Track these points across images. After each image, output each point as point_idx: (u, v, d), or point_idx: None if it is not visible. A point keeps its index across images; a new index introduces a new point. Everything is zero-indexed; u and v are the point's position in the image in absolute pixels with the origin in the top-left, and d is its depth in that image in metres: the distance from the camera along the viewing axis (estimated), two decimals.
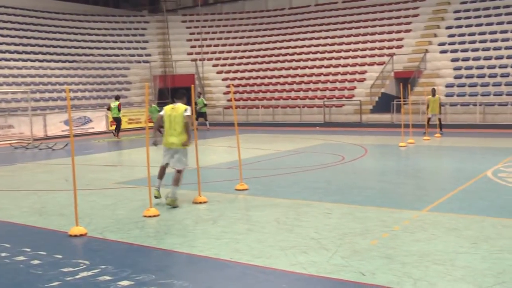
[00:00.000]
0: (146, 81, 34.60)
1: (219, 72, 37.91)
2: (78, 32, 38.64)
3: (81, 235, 7.73)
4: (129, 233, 7.79)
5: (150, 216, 8.72)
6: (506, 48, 29.23)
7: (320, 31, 38.33)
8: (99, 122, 28.97)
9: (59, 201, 10.34)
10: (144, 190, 10.27)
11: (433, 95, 22.48)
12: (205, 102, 29.53)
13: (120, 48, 38.87)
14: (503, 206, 8.92)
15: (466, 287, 5.36)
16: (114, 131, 25.77)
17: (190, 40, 41.21)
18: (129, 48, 39.23)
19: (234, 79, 36.53)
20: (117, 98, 26.02)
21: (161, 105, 31.93)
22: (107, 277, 5.94)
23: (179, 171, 9.85)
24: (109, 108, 25.87)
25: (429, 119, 22.55)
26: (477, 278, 5.56)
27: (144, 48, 39.65)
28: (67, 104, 8.13)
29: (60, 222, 8.63)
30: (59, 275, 6.07)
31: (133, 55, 38.50)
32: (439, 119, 22.60)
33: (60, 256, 6.79)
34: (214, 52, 39.97)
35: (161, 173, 10.08)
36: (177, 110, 9.72)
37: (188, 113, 9.68)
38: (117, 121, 25.58)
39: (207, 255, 6.66)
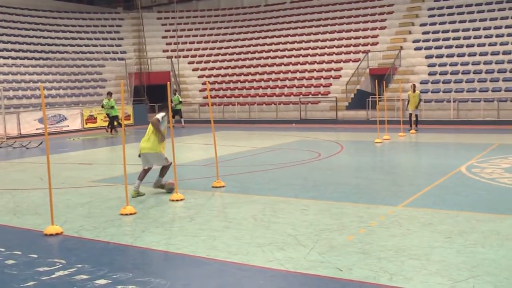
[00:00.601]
0: (121, 78, 34.33)
1: (195, 69, 37.79)
2: (51, 29, 38.17)
3: (56, 234, 7.65)
4: (105, 232, 7.73)
5: (126, 214, 8.66)
6: (479, 45, 29.65)
7: (296, 28, 38.44)
8: (74, 120, 28.66)
9: (33, 200, 10.21)
10: (121, 188, 10.21)
11: (413, 91, 22.66)
12: (180, 99, 29.41)
13: (95, 45, 38.50)
14: (477, 201, 9.05)
15: (441, 281, 5.42)
16: (107, 128, 25.90)
17: (165, 37, 40.98)
18: (103, 45, 38.87)
19: (210, 76, 36.45)
20: (110, 94, 25.97)
21: (136, 102, 31.90)
22: (84, 276, 5.89)
23: (164, 167, 10.41)
24: (103, 106, 25.76)
25: (410, 114, 22.72)
26: (452, 272, 5.64)
27: (119, 45, 39.34)
28: (41, 102, 8.03)
29: (35, 221, 8.53)
30: (34, 275, 6.00)
31: (108, 52, 38.16)
32: (416, 115, 22.76)
33: (35, 256, 6.71)
34: (190, 49, 39.82)
35: (143, 176, 10.38)
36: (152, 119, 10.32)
37: (158, 117, 10.23)
38: (116, 118, 25.48)
39: (184, 253, 6.65)
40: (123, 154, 8.98)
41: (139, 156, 10.53)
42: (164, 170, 10.44)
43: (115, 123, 25.34)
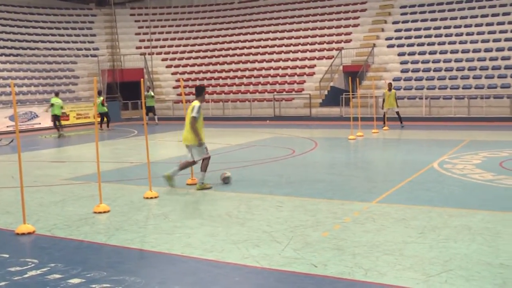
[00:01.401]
0: (94, 75, 33.96)
1: (169, 66, 37.58)
2: (22, 24, 37.56)
3: (28, 233, 7.55)
4: (78, 230, 7.65)
5: (100, 212, 8.58)
6: (450, 43, 30.03)
7: (270, 25, 38.45)
8: (46, 117, 28.25)
9: (4, 199, 10.06)
10: (94, 186, 10.10)
11: (389, 89, 22.68)
12: (152, 94, 29.11)
13: (67, 42, 38.00)
14: (449, 196, 9.18)
15: (414, 275, 5.48)
16: (100, 125, 26.08)
17: (138, 33, 40.66)
18: (76, 42, 38.39)
19: (183, 73, 36.29)
20: (99, 93, 26.12)
21: (109, 100, 31.58)
22: (57, 276, 5.82)
23: (204, 159, 10.58)
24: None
25: (385, 113, 22.78)
26: (425, 267, 5.71)
27: (92, 42, 38.89)
28: (12, 99, 7.91)
29: (6, 220, 8.40)
30: (6, 275, 5.91)
31: (80, 49, 37.69)
32: (397, 112, 22.76)
33: (6, 255, 6.61)
34: (163, 46, 39.58)
35: (182, 167, 10.71)
36: (190, 107, 10.46)
37: (194, 114, 10.28)
38: (105, 115, 26.08)
39: (159, 251, 6.61)
40: (96, 151, 8.89)
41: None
42: (204, 162, 10.57)
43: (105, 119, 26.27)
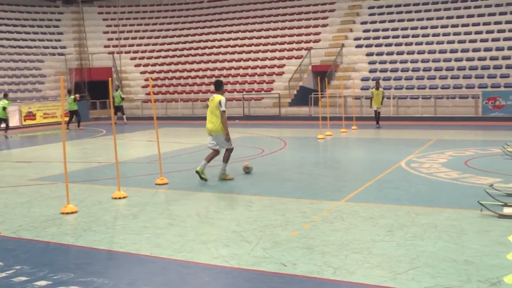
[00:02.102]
0: (61, 74, 33.50)
1: (137, 65, 37.29)
2: None
3: None
4: (45, 231, 7.54)
5: (67, 213, 8.47)
6: (417, 43, 30.46)
7: (239, 24, 38.47)
8: (12, 117, 27.73)
9: None
10: (61, 186, 9.97)
11: (377, 88, 22.72)
12: (122, 95, 28.94)
13: (33, 40, 37.39)
14: (416, 195, 9.30)
15: (382, 273, 5.54)
16: (67, 124, 25.72)
17: (107, 32, 40.25)
18: (42, 40, 37.81)
19: (152, 72, 36.06)
20: (69, 92, 25.96)
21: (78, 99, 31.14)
22: (23, 278, 5.72)
23: (227, 150, 11.10)
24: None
25: (375, 111, 22.83)
26: (393, 265, 5.77)
27: (59, 40, 38.35)
28: None
29: None
30: None
31: (47, 47, 37.14)
32: (378, 112, 22.87)
33: None
34: (132, 45, 39.27)
35: (209, 159, 11.13)
36: (214, 101, 11.03)
37: (224, 108, 10.92)
38: (75, 113, 25.94)
39: (128, 251, 6.56)
40: (63, 151, 8.77)
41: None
42: (226, 154, 11.08)
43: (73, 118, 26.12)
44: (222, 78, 33.07)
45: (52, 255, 6.54)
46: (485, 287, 5.12)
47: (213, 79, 33.33)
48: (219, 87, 11.37)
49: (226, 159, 11.05)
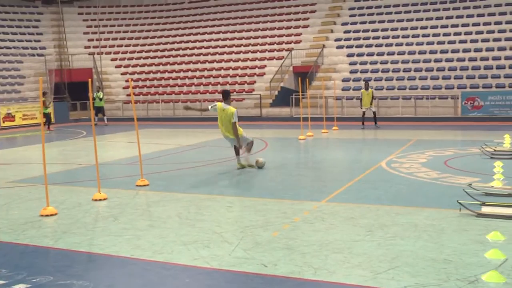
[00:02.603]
0: (40, 75, 33.19)
1: (118, 66, 37.06)
2: None
3: None
4: (24, 234, 7.47)
5: (47, 215, 8.40)
6: (397, 44, 30.68)
7: (220, 25, 38.42)
8: None
9: None
10: (41, 189, 9.87)
11: (366, 88, 22.65)
12: (101, 97, 28.67)
13: (12, 40, 36.93)
14: (396, 195, 9.38)
15: (363, 273, 5.58)
16: (48, 125, 25.64)
17: (87, 33, 39.94)
18: (21, 41, 37.37)
19: (133, 73, 35.86)
20: (44, 94, 25.53)
21: (57, 100, 30.95)
22: (1, 281, 5.65)
23: (249, 143, 12.55)
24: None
25: (363, 112, 22.82)
26: (373, 264, 5.81)
27: (38, 41, 37.96)
28: None
29: None
30: None
31: (26, 48, 36.71)
32: (374, 112, 22.87)
33: None
34: (113, 46, 39.02)
35: (237, 151, 12.56)
36: (226, 112, 12.08)
37: (235, 119, 12.03)
38: (45, 116, 25.49)
39: (108, 253, 6.52)
40: (42, 153, 8.70)
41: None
42: (248, 146, 12.52)
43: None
44: (203, 79, 33.10)
45: (31, 258, 6.48)
46: (463, 285, 5.18)
47: (195, 80, 33.42)
48: (227, 96, 12.29)
49: (248, 150, 12.57)
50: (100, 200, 9.45)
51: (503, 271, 5.49)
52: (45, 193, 8.74)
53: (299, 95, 24.03)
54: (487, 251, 6.06)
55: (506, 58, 27.53)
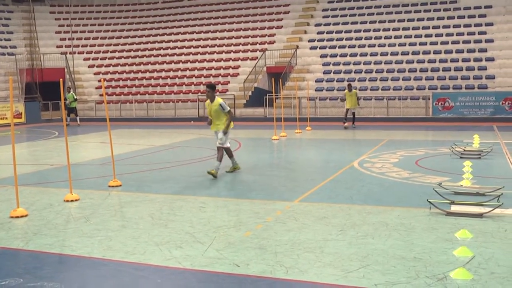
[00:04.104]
0: (11, 74, 32.71)
1: (91, 66, 36.76)
2: None
3: None
4: None
5: (17, 217, 8.29)
6: (369, 45, 30.99)
7: (194, 25, 38.36)
8: None
9: None
10: (11, 190, 9.75)
11: (349, 90, 22.63)
12: (75, 97, 28.45)
13: None
14: (368, 194, 9.47)
15: (334, 272, 5.63)
16: None
17: (59, 32, 39.52)
18: None
19: (106, 73, 35.59)
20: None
21: (28, 100, 30.53)
22: None
23: (222, 149, 11.81)
24: None
25: (347, 110, 22.87)
26: (344, 263, 5.87)
27: (9, 40, 37.38)
28: None
29: None
30: None
31: None
32: (353, 113, 22.99)
33: None
34: (85, 45, 38.67)
35: (229, 153, 12.14)
36: (214, 104, 11.72)
37: (228, 108, 11.78)
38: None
39: (79, 254, 6.47)
40: (13, 154, 8.58)
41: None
42: (220, 153, 11.75)
43: None
44: (177, 79, 33.00)
45: (0, 260, 6.40)
46: (432, 282, 5.27)
47: (168, 80, 33.28)
48: (213, 89, 11.95)
49: (229, 154, 12.04)
50: (72, 201, 9.36)
51: (471, 268, 5.59)
52: (15, 194, 8.62)
53: (272, 95, 24.11)
54: (455, 249, 6.16)
55: (475, 60, 28.04)
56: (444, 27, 31.12)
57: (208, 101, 11.89)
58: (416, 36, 30.85)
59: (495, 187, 9.26)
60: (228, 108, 11.79)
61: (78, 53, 37.36)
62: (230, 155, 12.09)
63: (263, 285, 5.41)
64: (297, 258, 6.08)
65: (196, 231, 7.27)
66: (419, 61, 28.83)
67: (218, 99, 11.78)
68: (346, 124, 22.76)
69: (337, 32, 33.14)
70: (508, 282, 5.26)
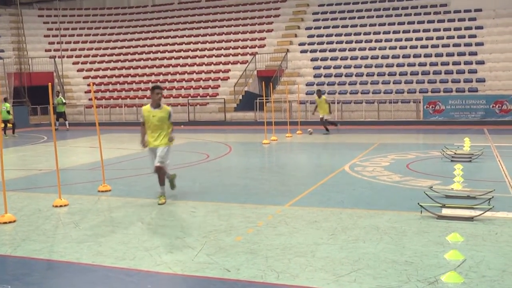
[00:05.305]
0: None
1: (80, 70, 36.61)
2: None
3: None
4: None
5: (5, 223, 8.19)
6: (360, 49, 31.05)
7: (184, 29, 38.32)
8: None
9: None
10: None
11: (318, 96, 22.27)
12: (64, 101, 28.28)
13: None
14: (359, 198, 9.45)
15: (325, 276, 5.59)
16: (9, 131, 24.95)
17: (47, 35, 39.35)
18: None
19: (96, 77, 35.46)
20: (5, 100, 25.33)
21: (16, 104, 30.33)
22: None
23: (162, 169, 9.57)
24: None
25: (321, 118, 22.40)
26: (336, 267, 5.84)
27: None
28: None
29: None
30: None
31: None
32: (325, 120, 22.41)
33: None
34: (74, 49, 38.52)
35: (161, 180, 9.60)
36: (162, 112, 9.45)
37: (172, 120, 9.67)
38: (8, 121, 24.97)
39: (68, 260, 6.40)
40: (0, 158, 8.49)
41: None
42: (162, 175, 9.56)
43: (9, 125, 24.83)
44: (166, 83, 32.90)
45: None
46: (424, 286, 5.25)
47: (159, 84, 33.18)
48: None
49: (163, 181, 9.56)
50: (61, 206, 9.28)
51: (462, 271, 5.58)
52: (3, 200, 8.53)
53: (263, 99, 24.13)
54: (446, 252, 6.15)
55: (466, 63, 28.18)
56: (435, 30, 31.26)
57: (149, 106, 9.47)
58: (406, 40, 30.97)
59: (486, 190, 9.27)
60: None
61: (67, 57, 37.21)
62: (164, 181, 9.53)
63: None
64: (288, 262, 6.04)
65: (186, 236, 7.21)
66: (409, 64, 28.93)
67: (166, 106, 9.61)
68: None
69: (327, 35, 33.21)
70: (499, 285, 5.26)
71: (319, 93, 22.56)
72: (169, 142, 9.57)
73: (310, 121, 26.08)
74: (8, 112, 24.56)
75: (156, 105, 9.40)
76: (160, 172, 9.43)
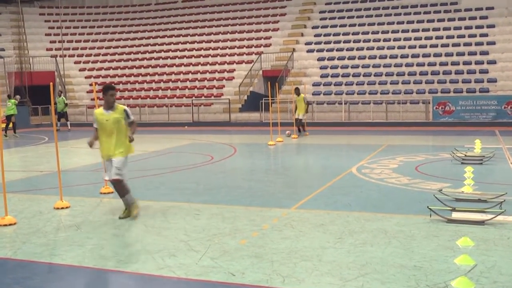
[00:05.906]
0: None
1: (82, 70, 36.54)
2: None
3: None
4: None
5: (5, 225, 8.08)
6: (368, 48, 30.89)
7: (188, 28, 38.22)
8: None
9: None
10: None
11: (297, 94, 21.57)
12: (66, 101, 28.18)
13: None
14: (366, 201, 9.30)
15: (332, 280, 5.46)
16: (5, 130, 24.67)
17: (49, 34, 39.27)
18: None
19: (98, 76, 35.37)
20: (9, 96, 25.36)
21: (17, 104, 30.20)
22: None
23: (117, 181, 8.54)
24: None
25: (295, 120, 21.63)
26: (342, 272, 5.70)
27: None
28: None
29: None
30: None
31: None
32: (300, 120, 21.64)
33: None
34: (76, 48, 38.46)
35: (123, 192, 8.53)
36: (117, 112, 8.67)
37: (132, 118, 8.90)
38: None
39: (70, 263, 6.28)
40: (1, 160, 8.37)
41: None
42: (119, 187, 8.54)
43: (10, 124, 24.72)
44: (170, 83, 32.81)
45: None
46: None
47: (162, 84, 33.08)
48: (106, 93, 8.67)
49: (124, 193, 8.44)
50: (62, 208, 9.16)
51: (472, 277, 5.44)
52: (3, 202, 8.41)
53: (268, 99, 23.99)
54: (457, 257, 6.01)
55: (477, 62, 27.95)
56: (445, 29, 31.02)
57: (101, 109, 8.64)
58: (415, 39, 30.74)
59: (497, 193, 9.08)
60: (133, 117, 8.86)
61: (69, 56, 37.12)
62: (125, 192, 8.41)
63: None
64: (294, 266, 5.91)
65: (190, 239, 7.08)
66: (418, 64, 28.71)
67: (121, 105, 8.74)
68: (294, 135, 21.08)
69: (334, 34, 33.03)
70: None
71: (298, 91, 21.70)
72: (128, 150, 8.78)
73: (317, 121, 25.96)
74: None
75: (109, 107, 8.56)
76: (118, 185, 8.39)
